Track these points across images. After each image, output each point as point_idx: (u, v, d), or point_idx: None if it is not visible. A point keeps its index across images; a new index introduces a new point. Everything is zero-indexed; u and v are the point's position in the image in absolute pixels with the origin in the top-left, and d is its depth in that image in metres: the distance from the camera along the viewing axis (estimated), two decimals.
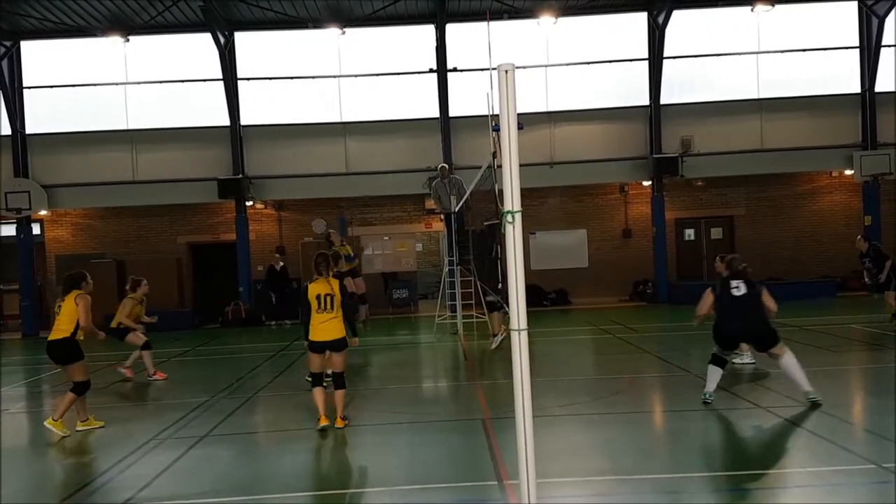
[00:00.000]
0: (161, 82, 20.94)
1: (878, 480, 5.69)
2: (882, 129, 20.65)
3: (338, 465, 7.05)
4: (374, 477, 6.42)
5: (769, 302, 8.30)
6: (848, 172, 20.91)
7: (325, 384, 8.15)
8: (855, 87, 20.82)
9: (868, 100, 20.64)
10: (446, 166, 16.88)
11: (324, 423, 7.83)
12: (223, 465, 7.10)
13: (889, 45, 20.39)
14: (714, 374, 8.45)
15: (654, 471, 6.22)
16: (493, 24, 19.94)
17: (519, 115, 4.64)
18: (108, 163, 20.90)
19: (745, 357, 10.50)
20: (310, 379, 8.26)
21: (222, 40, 20.26)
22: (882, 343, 12.36)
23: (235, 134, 20.91)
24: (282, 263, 21.02)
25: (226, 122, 20.85)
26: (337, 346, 7.91)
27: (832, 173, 21.63)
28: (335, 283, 7.91)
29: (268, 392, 10.58)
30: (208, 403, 9.64)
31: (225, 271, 21.60)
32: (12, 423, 9.59)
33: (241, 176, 20.72)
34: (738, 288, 8.29)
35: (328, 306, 7.83)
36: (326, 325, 7.84)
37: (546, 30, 20.43)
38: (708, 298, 8.55)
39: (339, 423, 7.88)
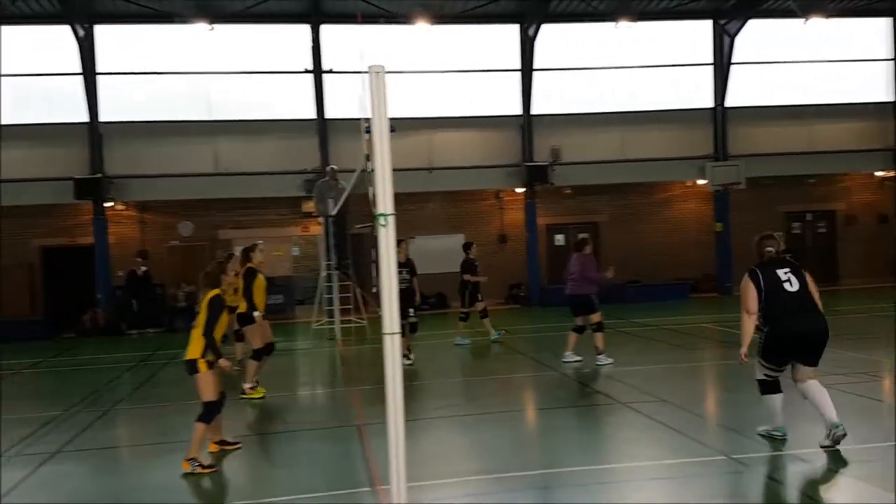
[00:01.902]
0: (13, 75, 19.33)
1: (729, 471, 6.09)
2: (732, 142, 22.26)
3: (205, 479, 6.75)
4: (243, 490, 6.20)
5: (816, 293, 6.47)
6: (701, 182, 22.37)
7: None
8: (708, 102, 22.34)
9: (720, 114, 22.20)
10: (335, 168, 16.62)
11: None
12: (76, 482, 6.63)
13: (739, 63, 22.01)
14: (776, 403, 6.63)
15: (525, 468, 6.37)
16: (372, 28, 19.91)
17: (398, 119, 4.66)
18: None
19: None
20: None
21: (81, 33, 19.02)
22: (731, 341, 13.30)
23: (94, 131, 19.67)
24: (144, 268, 19.94)
25: (84, 117, 19.59)
26: (186, 367, 6.81)
27: (686, 183, 23.05)
28: (206, 297, 6.78)
29: (128, 405, 10.02)
30: (62, 418, 9.00)
31: (82, 277, 20.25)
32: None
33: (99, 175, 19.50)
34: (790, 282, 6.38)
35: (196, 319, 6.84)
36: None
37: (422, 36, 20.58)
38: (751, 293, 6.46)
39: (184, 466, 6.57)
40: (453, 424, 8.25)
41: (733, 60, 21.84)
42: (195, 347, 6.71)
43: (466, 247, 14.50)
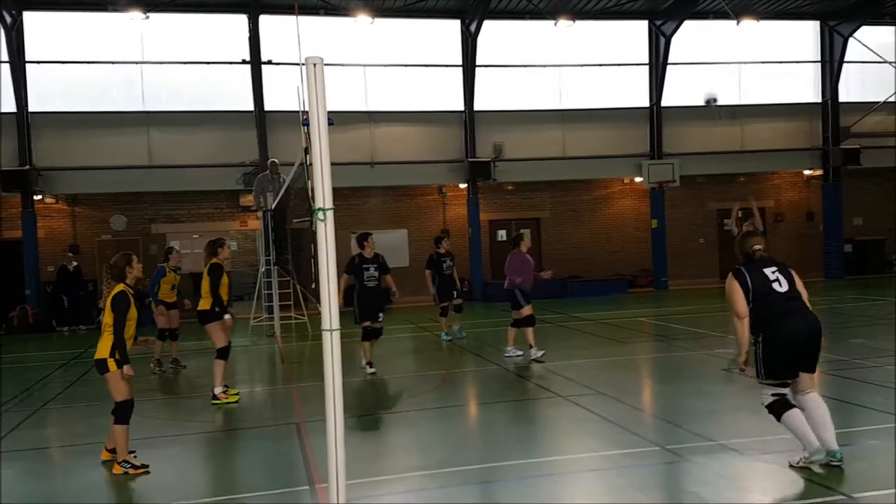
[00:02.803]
0: None
1: (663, 461, 6.25)
2: (667, 141, 22.81)
3: (137, 480, 6.56)
4: (179, 490, 6.05)
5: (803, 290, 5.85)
6: (638, 180, 22.86)
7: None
8: (645, 102, 22.83)
9: (655, 113, 22.71)
10: (276, 161, 16.33)
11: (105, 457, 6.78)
12: (4, 484, 6.37)
13: (674, 63, 22.54)
14: (797, 421, 5.58)
15: (464, 463, 6.40)
16: (312, 20, 19.64)
17: (336, 112, 4.61)
18: None
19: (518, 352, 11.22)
20: None
21: (8, 20, 18.24)
22: (665, 335, 13.65)
23: (22, 121, 18.90)
24: (75, 264, 19.28)
25: (12, 108, 18.79)
26: (97, 367, 6.55)
27: (624, 180, 23.52)
28: (110, 294, 6.48)
29: (58, 404, 9.68)
30: None
31: (10, 272, 19.43)
32: None
33: (28, 167, 18.76)
34: (780, 281, 5.76)
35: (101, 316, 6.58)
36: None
37: (363, 29, 20.43)
38: (738, 295, 5.72)
39: (116, 470, 6.41)
40: (393, 421, 8.24)
41: (669, 61, 22.35)
42: (104, 346, 6.43)
43: (436, 241, 14.19)
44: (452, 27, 21.43)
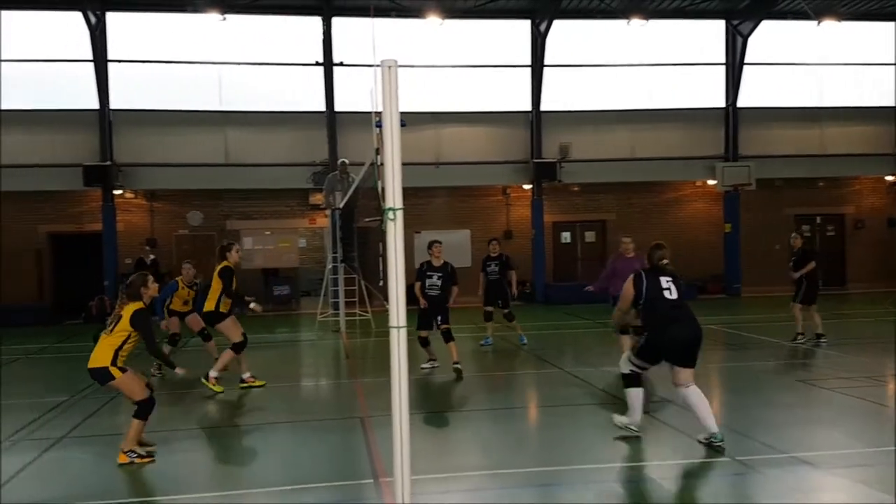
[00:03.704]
0: (26, 61, 19.41)
1: (733, 472, 6.09)
2: (743, 143, 22.18)
3: (208, 467, 6.79)
4: (250, 478, 6.23)
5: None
6: (711, 182, 22.30)
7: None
8: (720, 102, 22.25)
9: (731, 114, 22.12)
10: (346, 161, 16.59)
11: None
12: (81, 468, 6.68)
13: (751, 63, 21.91)
14: (638, 396, 6.93)
15: (525, 464, 6.38)
16: (382, 21, 19.88)
17: (405, 113, 4.64)
18: None
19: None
20: None
21: (93, 20, 19.08)
22: (737, 343, 13.27)
23: (105, 118, 19.74)
24: (152, 257, 20.04)
25: (95, 105, 19.65)
26: (94, 375, 6.59)
27: (696, 183, 22.98)
28: (128, 310, 6.60)
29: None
30: (67, 403, 9.06)
31: (90, 264, 20.34)
32: None
33: (109, 163, 19.58)
34: (671, 290, 6.74)
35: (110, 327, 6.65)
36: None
37: (433, 31, 20.56)
38: (628, 296, 6.82)
39: (122, 459, 6.58)
40: (455, 419, 8.27)
41: (746, 61, 21.74)
42: (105, 355, 6.49)
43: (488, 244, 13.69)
44: (522, 27, 21.34)
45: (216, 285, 9.66)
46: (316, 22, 20.35)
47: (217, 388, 9.56)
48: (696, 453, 6.56)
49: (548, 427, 7.96)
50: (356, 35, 20.43)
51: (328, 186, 16.60)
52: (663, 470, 6.21)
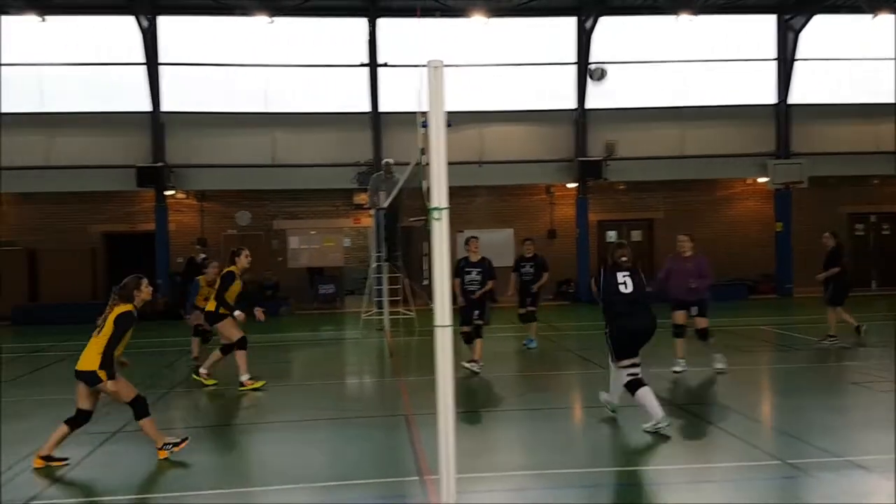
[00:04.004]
0: (80, 64, 20.04)
1: (785, 475, 5.96)
2: (795, 140, 21.65)
3: (256, 462, 6.90)
4: (294, 474, 6.32)
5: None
6: (762, 180, 21.82)
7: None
8: (771, 98, 21.75)
9: (783, 111, 21.61)
10: (390, 161, 16.68)
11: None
12: (134, 461, 6.86)
13: (804, 59, 21.38)
14: (648, 396, 7.14)
15: (569, 465, 6.34)
16: (425, 21, 19.95)
17: (448, 112, 4.65)
18: (20, 146, 19.80)
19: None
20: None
21: (145, 23, 19.56)
22: (789, 345, 12.97)
23: (156, 120, 20.23)
24: (203, 256, 20.34)
25: (147, 107, 20.15)
26: (81, 377, 6.57)
27: (747, 180, 22.51)
28: (115, 312, 6.55)
29: (184, 387, 10.29)
30: None
31: (142, 263, 20.82)
32: None
33: (161, 164, 20.06)
34: (626, 284, 7.31)
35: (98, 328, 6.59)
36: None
37: (477, 29, 20.55)
38: (592, 288, 7.63)
39: (162, 455, 6.64)
40: (498, 418, 8.26)
41: (797, 56, 21.22)
42: (93, 359, 6.44)
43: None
44: (567, 24, 21.16)
45: (217, 287, 9.99)
46: (361, 23, 20.52)
47: (259, 384, 9.79)
48: (746, 456, 6.44)
49: (593, 428, 7.89)
50: (400, 35, 20.54)
51: (372, 186, 16.71)
52: (712, 472, 6.11)
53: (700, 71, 21.56)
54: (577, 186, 21.52)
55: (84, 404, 6.60)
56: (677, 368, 10.18)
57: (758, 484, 5.78)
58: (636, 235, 23.21)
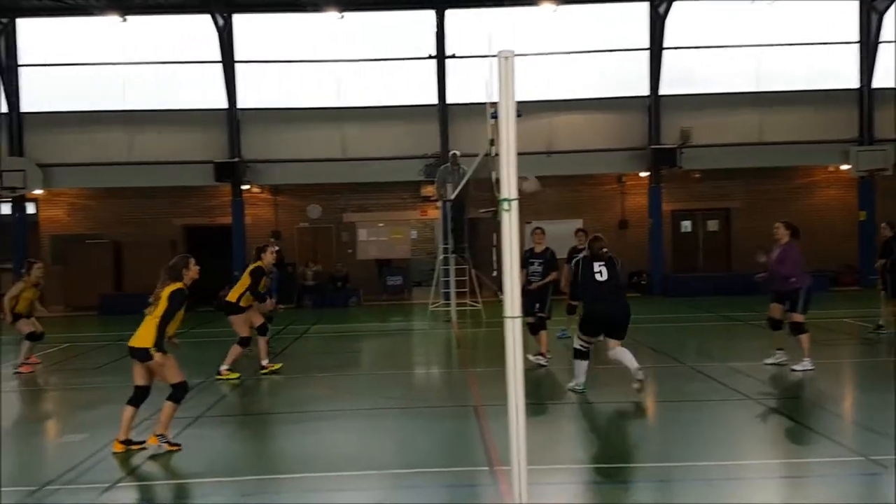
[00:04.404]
0: (159, 63, 20.82)
1: (867, 472, 5.75)
2: (879, 125, 20.65)
3: (329, 448, 7.05)
4: (366, 461, 6.44)
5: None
6: (844, 167, 20.93)
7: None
8: (853, 83, 20.80)
9: (866, 95, 20.63)
10: (457, 153, 16.73)
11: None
12: (217, 445, 7.12)
13: (888, 42, 20.35)
14: (583, 366, 8.48)
15: (643, 460, 6.25)
16: (493, 10, 19.87)
17: (517, 102, 4.63)
18: (104, 143, 20.78)
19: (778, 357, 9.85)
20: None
21: (221, 22, 20.13)
22: (873, 338, 12.42)
23: (232, 117, 20.81)
24: (277, 248, 20.93)
25: (223, 104, 20.75)
26: (134, 354, 6.75)
27: (828, 168, 21.63)
28: (167, 289, 6.79)
29: (262, 375, 10.58)
30: (202, 385, 9.64)
31: (220, 255, 21.54)
32: (4, 401, 9.60)
33: (237, 159, 20.64)
34: (601, 273, 8.17)
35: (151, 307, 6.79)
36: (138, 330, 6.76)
37: (546, 17, 20.33)
38: (566, 275, 8.79)
39: (152, 441, 6.71)
40: (567, 411, 8.20)
41: (881, 39, 20.21)
42: (148, 336, 6.59)
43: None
44: (640, 9, 20.71)
45: (245, 281, 10.27)
46: (429, 15, 20.58)
47: (233, 376, 10.09)
48: (827, 451, 6.23)
49: (667, 423, 7.76)
50: (466, 25, 20.51)
51: (440, 178, 16.79)
52: (791, 468, 5.93)
53: (778, 55, 20.78)
54: (650, 175, 21.08)
55: (140, 381, 6.80)
56: (769, 360, 9.88)
57: (838, 480, 5.59)
58: (712, 225, 22.61)
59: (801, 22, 20.53)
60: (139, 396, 6.81)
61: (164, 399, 6.76)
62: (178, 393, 6.78)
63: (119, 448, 6.71)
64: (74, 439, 7.28)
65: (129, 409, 6.78)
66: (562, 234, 21.96)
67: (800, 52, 20.77)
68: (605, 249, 8.26)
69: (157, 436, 6.72)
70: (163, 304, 6.66)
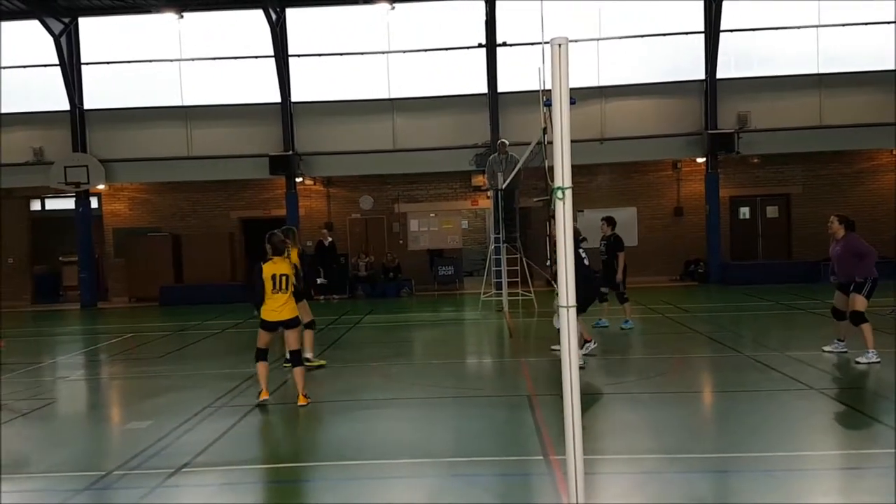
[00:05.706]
0: (215, 59, 21.25)
1: None
2: None
3: (384, 435, 7.13)
4: (421, 449, 6.50)
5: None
6: None
7: (285, 366, 8.65)
8: None
9: None
10: (506, 142, 16.66)
11: (265, 396, 8.13)
12: (276, 432, 7.28)
13: None
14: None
15: (701, 450, 6.16)
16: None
17: (570, 89, 4.57)
18: (163, 138, 21.35)
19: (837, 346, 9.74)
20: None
21: (274, 17, 20.41)
22: None
23: (286, 110, 21.13)
24: (330, 239, 21.25)
25: (277, 98, 21.07)
26: (290, 324, 8.13)
27: (893, 151, 20.84)
28: (288, 264, 8.16)
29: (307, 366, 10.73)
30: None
31: None
32: (71, 390, 9.98)
33: (291, 152, 20.96)
34: (587, 258, 9.83)
35: (283, 287, 8.02)
36: (281, 307, 8.03)
37: (598, 2, 20.02)
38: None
39: (302, 401, 7.98)
40: (623, 401, 8.12)
41: None
42: (292, 308, 8.14)
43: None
44: None
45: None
46: (479, 4, 20.49)
47: (320, 362, 10.36)
48: (891, 442, 6.02)
49: (725, 413, 7.61)
50: (515, 13, 20.35)
51: (490, 168, 16.75)
52: (846, 459, 5.76)
53: (839, 35, 20.05)
54: (707, 161, 20.63)
55: (293, 346, 8.19)
56: (827, 348, 9.76)
57: (889, 472, 5.41)
58: (771, 212, 22.03)
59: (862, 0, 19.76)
60: (295, 359, 8.21)
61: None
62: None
63: (304, 401, 7.97)
64: (140, 426, 7.51)
65: (298, 370, 8.14)
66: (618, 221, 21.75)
67: (861, 32, 20.00)
68: (585, 238, 10.40)
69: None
70: (292, 277, 8.10)
